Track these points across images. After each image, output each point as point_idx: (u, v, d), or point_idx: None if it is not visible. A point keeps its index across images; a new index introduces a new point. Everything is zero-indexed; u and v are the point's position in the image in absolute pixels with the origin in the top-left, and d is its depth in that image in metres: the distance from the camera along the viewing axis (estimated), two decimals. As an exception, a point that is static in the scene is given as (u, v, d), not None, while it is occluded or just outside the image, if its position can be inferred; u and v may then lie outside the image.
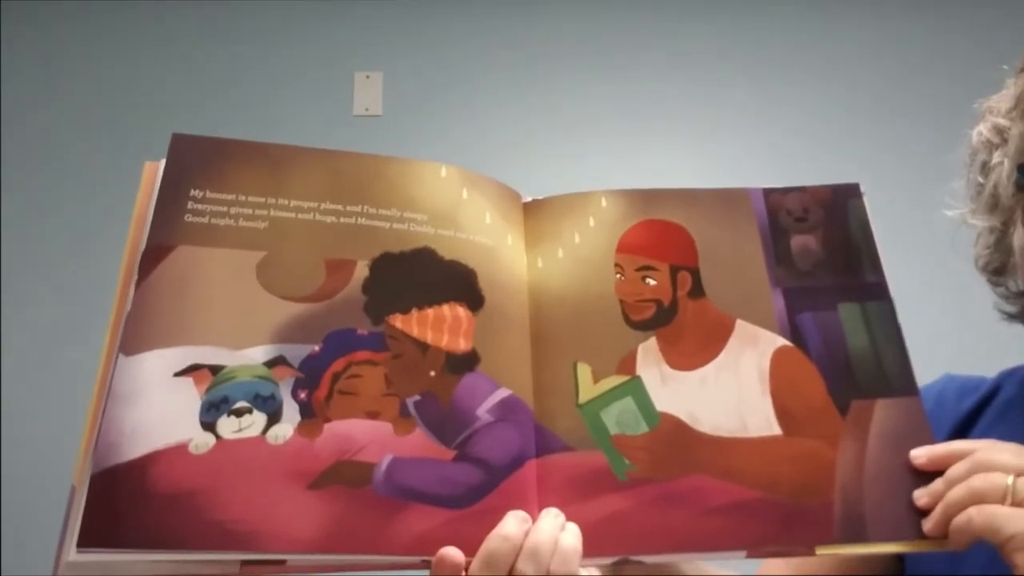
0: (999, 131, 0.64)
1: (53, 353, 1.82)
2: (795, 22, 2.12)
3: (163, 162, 0.54)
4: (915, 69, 2.07)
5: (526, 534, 0.47)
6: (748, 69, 2.09)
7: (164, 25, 2.08)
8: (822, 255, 0.59)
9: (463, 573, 0.46)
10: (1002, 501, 0.46)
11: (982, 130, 0.66)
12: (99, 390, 0.47)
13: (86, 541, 0.43)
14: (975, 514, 0.46)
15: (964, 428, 0.69)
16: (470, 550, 0.47)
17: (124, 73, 2.04)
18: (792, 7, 2.13)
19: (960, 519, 0.47)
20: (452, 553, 0.46)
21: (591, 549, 0.49)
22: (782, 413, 0.54)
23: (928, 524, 0.49)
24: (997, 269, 0.68)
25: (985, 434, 0.68)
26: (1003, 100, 0.64)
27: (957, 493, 0.48)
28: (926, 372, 0.77)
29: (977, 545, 0.47)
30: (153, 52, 2.06)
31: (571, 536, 0.48)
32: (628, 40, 2.11)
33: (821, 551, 0.50)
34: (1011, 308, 0.70)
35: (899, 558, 0.68)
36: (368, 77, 2.06)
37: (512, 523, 0.47)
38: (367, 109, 2.05)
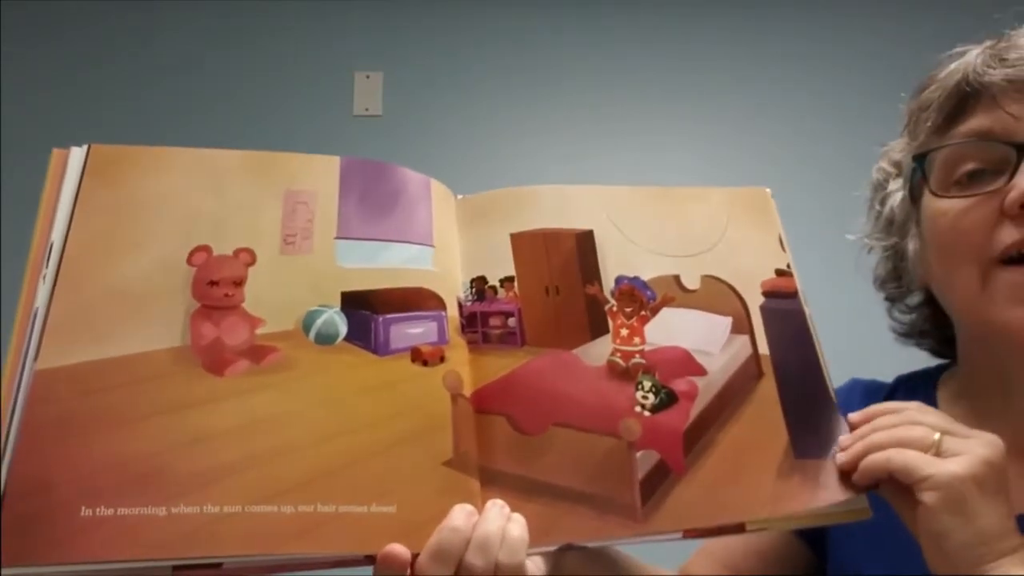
0: (895, 164, 0.70)
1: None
2: (800, 26, 2.12)
3: (73, 150, 0.51)
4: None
5: (473, 527, 0.46)
6: (752, 72, 2.09)
7: (165, 25, 2.08)
8: None
9: (408, 571, 0.45)
10: (926, 451, 0.48)
11: (882, 166, 0.72)
12: (6, 394, 0.44)
13: (11, 560, 0.40)
14: (894, 454, 0.48)
15: None
16: (414, 544, 0.45)
17: (124, 73, 2.05)
18: (798, 14, 2.13)
19: (878, 457, 0.49)
20: (398, 550, 0.45)
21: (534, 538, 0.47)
22: None
23: (843, 457, 0.51)
24: (894, 277, 0.71)
25: None
26: (898, 143, 0.70)
27: (880, 436, 0.50)
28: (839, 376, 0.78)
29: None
30: (153, 51, 2.07)
31: (517, 526, 0.47)
32: (630, 39, 2.11)
33: (752, 526, 0.49)
34: (903, 326, 0.74)
35: (816, 554, 0.69)
36: (368, 77, 2.06)
37: (460, 515, 0.47)
38: (367, 109, 2.05)
